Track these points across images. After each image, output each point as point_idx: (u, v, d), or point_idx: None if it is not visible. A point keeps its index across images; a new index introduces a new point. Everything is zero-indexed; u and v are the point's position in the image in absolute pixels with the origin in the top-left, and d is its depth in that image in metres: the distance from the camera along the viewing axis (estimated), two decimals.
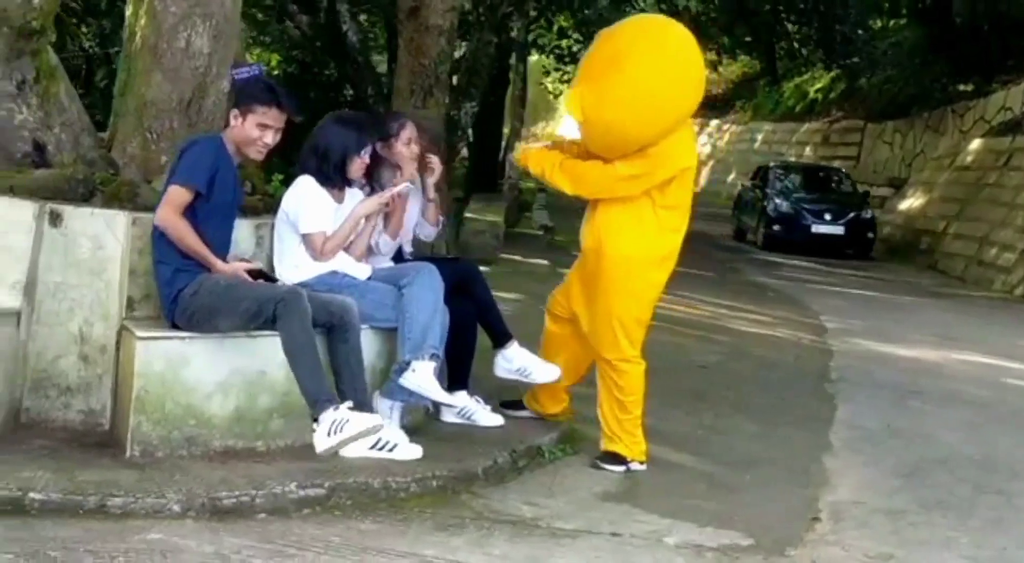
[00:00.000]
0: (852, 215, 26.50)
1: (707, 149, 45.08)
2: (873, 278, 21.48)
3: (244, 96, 6.49)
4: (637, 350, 7.30)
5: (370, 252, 7.28)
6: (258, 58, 26.48)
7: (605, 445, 7.27)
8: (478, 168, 30.27)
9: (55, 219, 6.57)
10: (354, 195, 7.13)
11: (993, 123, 26.79)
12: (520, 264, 17.18)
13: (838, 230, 26.43)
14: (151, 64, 7.09)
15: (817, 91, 39.24)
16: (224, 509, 5.82)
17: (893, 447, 8.28)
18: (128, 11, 7.32)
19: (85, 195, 6.81)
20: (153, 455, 6.29)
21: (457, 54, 25.57)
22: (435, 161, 7.56)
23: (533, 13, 25.54)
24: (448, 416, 7.46)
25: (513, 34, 25.49)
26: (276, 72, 25.35)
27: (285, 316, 6.18)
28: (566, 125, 50.14)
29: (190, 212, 6.33)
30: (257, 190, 7.41)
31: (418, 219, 7.70)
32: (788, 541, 6.19)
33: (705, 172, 43.88)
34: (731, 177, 41.21)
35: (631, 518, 6.35)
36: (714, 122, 46.22)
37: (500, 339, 7.55)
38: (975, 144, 26.32)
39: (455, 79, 22.83)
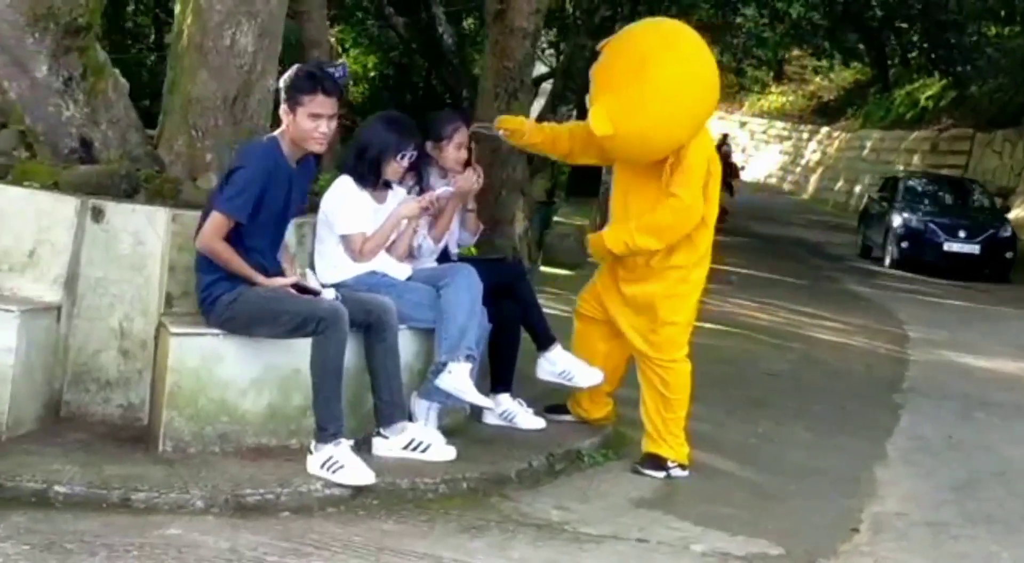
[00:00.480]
0: (989, 233, 24.00)
1: (816, 156, 44.68)
2: (971, 289, 21.05)
3: (288, 90, 6.35)
4: (685, 350, 7.25)
5: (411, 255, 7.24)
6: (355, 60, 26.67)
7: (648, 446, 7.19)
8: (578, 171, 30.11)
9: (97, 215, 6.59)
10: (397, 195, 7.08)
11: None
12: None
13: (973, 249, 23.87)
14: (197, 62, 7.10)
15: (928, 99, 38.65)
16: (248, 506, 5.81)
17: (950, 459, 8.10)
18: (177, 9, 7.33)
19: (128, 191, 6.84)
20: (185, 451, 6.29)
21: (554, 61, 25.70)
22: (479, 171, 7.46)
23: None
24: (489, 418, 7.41)
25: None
26: (372, 74, 25.56)
27: (323, 336, 6.09)
28: None
29: (235, 227, 6.25)
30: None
31: (457, 227, 7.66)
32: (820, 552, 6.08)
33: (814, 180, 43.48)
34: (839, 185, 40.74)
35: (662, 524, 6.27)
36: (824, 129, 45.69)
37: (543, 342, 7.49)
38: None
39: (552, 83, 22.89)
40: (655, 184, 7.02)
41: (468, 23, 24.32)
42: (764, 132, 50.73)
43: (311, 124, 6.24)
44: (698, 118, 6.93)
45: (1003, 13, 34.72)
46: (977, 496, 7.30)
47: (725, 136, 32.81)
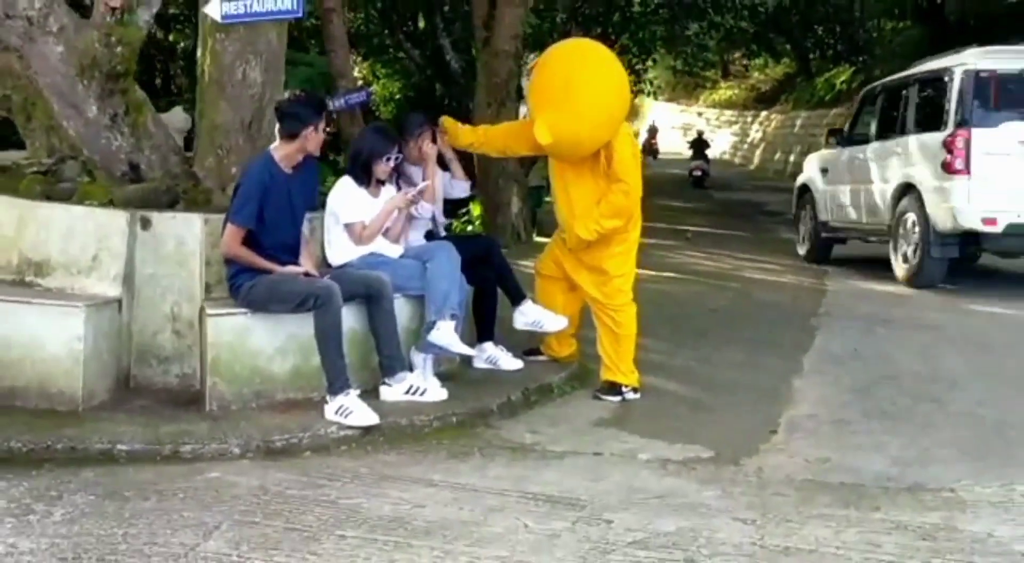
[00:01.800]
0: None
1: (759, 135, 44.14)
2: None
3: (312, 113, 6.15)
4: (630, 295, 7.02)
5: (411, 217, 7.05)
6: (384, 86, 26.51)
7: (605, 375, 6.95)
8: None
9: (145, 223, 6.43)
10: (388, 191, 6.88)
11: None
12: None
13: None
14: (217, 95, 6.91)
15: (842, 83, 38.18)
16: (276, 449, 5.63)
17: (853, 368, 7.81)
18: (199, 53, 7.11)
19: (170, 202, 6.70)
20: (227, 408, 6.12)
21: None
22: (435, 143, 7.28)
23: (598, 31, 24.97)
24: (478, 363, 7.19)
25: None
26: (398, 96, 25.41)
27: (321, 309, 5.95)
28: (647, 122, 49.66)
29: (254, 228, 6.11)
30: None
31: (448, 182, 7.45)
32: (744, 452, 5.84)
33: (758, 154, 43.05)
34: (777, 156, 40.29)
35: (615, 439, 6.04)
36: (763, 113, 45.13)
37: (516, 298, 7.26)
38: None
39: None
40: (588, 175, 6.85)
41: (475, 50, 24.24)
42: (717, 119, 50.24)
43: (323, 135, 6.23)
44: (617, 119, 6.73)
45: (896, 11, 34.88)
46: (874, 397, 7.02)
47: (653, 126, 32.55)
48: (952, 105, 11.14)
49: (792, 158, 39.31)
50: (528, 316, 7.21)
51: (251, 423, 5.87)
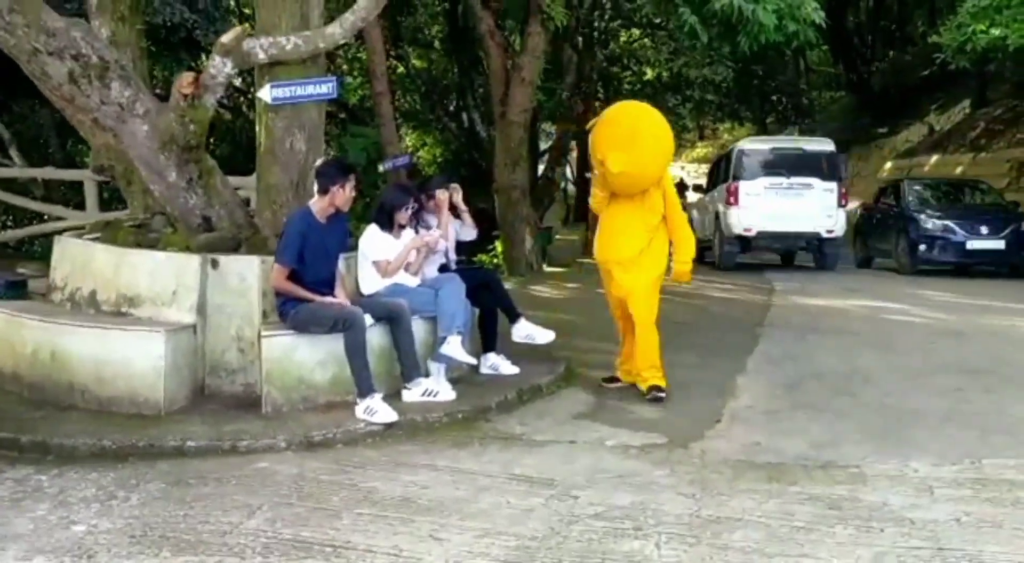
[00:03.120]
0: (1013, 227, 14.92)
1: None
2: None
3: (340, 173, 6.08)
4: None
5: (429, 253, 6.93)
6: (428, 151, 26.52)
7: (653, 381, 6.59)
8: (578, 205, 29.61)
9: (215, 264, 6.32)
10: (408, 234, 6.77)
11: (900, 151, 25.65)
12: (588, 265, 16.53)
13: (998, 244, 14.82)
14: (270, 161, 6.81)
15: None
16: (315, 443, 5.48)
17: (786, 367, 7.58)
18: (257, 129, 7.01)
19: (235, 247, 6.60)
20: (280, 410, 5.98)
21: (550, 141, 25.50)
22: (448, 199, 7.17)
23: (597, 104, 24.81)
24: (483, 369, 7.02)
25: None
26: (440, 159, 25.40)
27: (349, 329, 5.84)
28: None
29: (296, 267, 6.01)
30: (352, 235, 7.02)
31: (459, 228, 7.34)
32: (692, 438, 5.63)
33: None
34: (849, 205, 39.79)
35: (588, 430, 5.84)
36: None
37: (512, 317, 7.12)
38: (888, 164, 25.33)
39: (548, 153, 22.63)
40: (638, 212, 6.58)
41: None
42: (696, 171, 49.93)
43: (352, 193, 6.13)
44: (666, 161, 6.52)
45: (834, 84, 34.94)
46: (801, 391, 6.79)
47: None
48: (732, 168, 16.30)
49: None
50: (522, 331, 7.07)
51: (296, 422, 5.74)
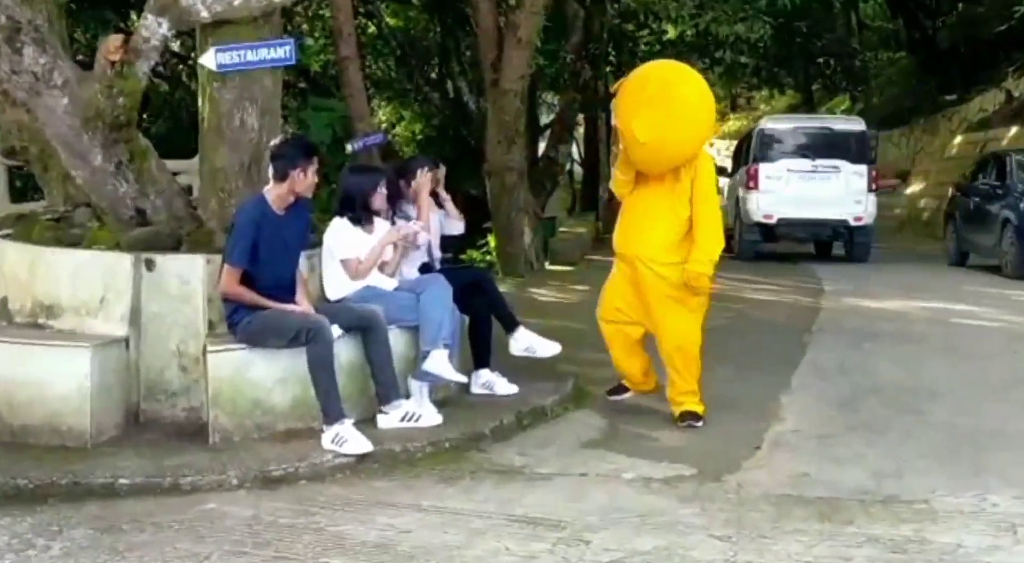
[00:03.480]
0: None
1: None
2: (880, 248, 20.19)
3: (301, 155, 6.04)
4: None
5: (408, 250, 6.94)
6: (406, 128, 26.58)
7: (688, 406, 6.55)
8: (586, 191, 29.66)
9: (150, 265, 6.31)
10: (381, 226, 6.77)
11: (973, 122, 25.64)
12: (599, 263, 16.60)
13: None
14: (216, 140, 6.78)
15: (842, 111, 38.05)
16: (273, 479, 5.47)
17: (838, 382, 7.62)
18: (200, 102, 7.01)
19: (174, 244, 6.58)
20: (230, 440, 5.96)
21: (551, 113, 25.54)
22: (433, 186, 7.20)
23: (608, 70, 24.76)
24: (475, 388, 7.03)
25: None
26: (420, 137, 25.48)
27: (313, 343, 5.81)
28: None
29: (248, 268, 5.98)
30: (316, 230, 7.00)
31: (443, 220, 7.37)
32: (727, 468, 5.65)
33: None
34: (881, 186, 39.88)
35: (602, 460, 5.85)
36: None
37: (509, 326, 7.13)
38: (958, 139, 25.34)
39: (551, 128, 22.65)
40: (666, 202, 6.47)
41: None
42: (728, 149, 50.05)
43: (314, 178, 6.12)
44: (704, 135, 6.48)
45: (892, 42, 34.89)
46: (857, 409, 6.83)
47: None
48: (753, 150, 17.59)
49: None
50: (521, 343, 7.07)
51: (250, 453, 5.73)
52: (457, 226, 7.40)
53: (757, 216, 16.90)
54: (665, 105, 6.27)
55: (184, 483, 5.36)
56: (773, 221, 16.85)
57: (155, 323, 6.32)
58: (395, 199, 6.96)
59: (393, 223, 6.86)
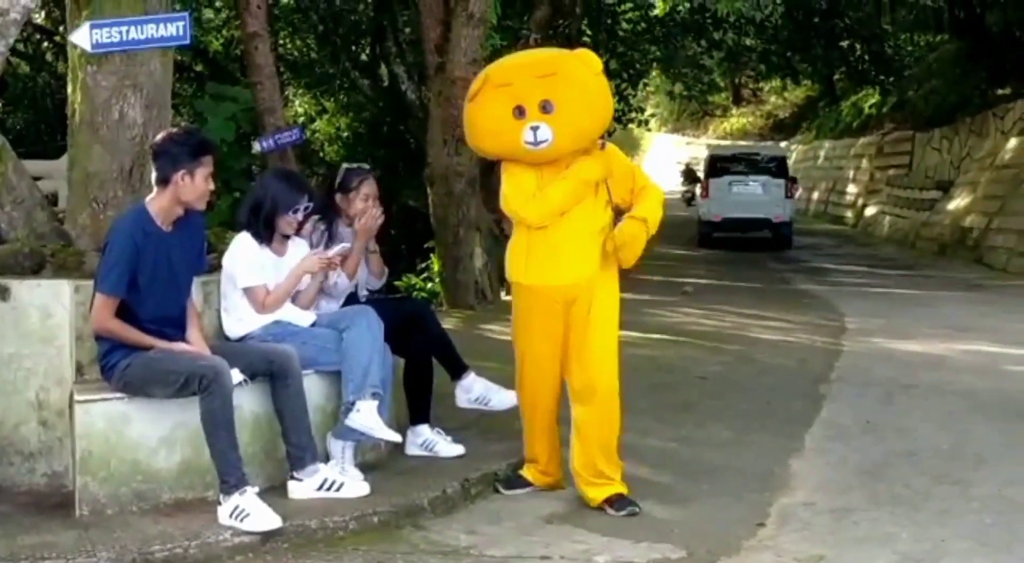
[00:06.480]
0: None
1: None
2: (916, 276, 20.58)
3: (186, 154, 5.97)
4: None
5: (324, 292, 6.95)
6: (328, 122, 26.62)
7: (611, 489, 6.39)
8: None
9: (3, 293, 6.30)
10: (298, 245, 6.79)
11: None
12: None
13: None
14: (90, 138, 6.81)
15: (871, 107, 38.53)
16: (156, 562, 5.44)
17: (864, 444, 7.70)
18: (69, 89, 7.02)
19: (34, 268, 6.56)
20: (102, 513, 5.94)
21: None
22: (378, 210, 7.10)
23: None
24: (411, 449, 7.07)
25: None
26: (345, 133, 25.49)
27: (207, 392, 5.80)
28: (647, 156, 49.74)
29: (126, 298, 5.96)
30: (213, 248, 7.01)
31: (364, 276, 7.35)
32: (723, 550, 5.71)
33: None
34: (799, 193, 40.36)
35: (568, 539, 5.89)
36: (783, 143, 45.34)
37: (456, 371, 7.19)
38: (1012, 143, 25.49)
39: None
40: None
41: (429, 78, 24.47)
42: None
43: (207, 184, 6.06)
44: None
45: (932, 24, 35.17)
46: (885, 478, 6.90)
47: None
48: (704, 168, 29.85)
49: (816, 195, 39.52)
50: (472, 392, 7.13)
51: (128, 531, 5.71)
52: (374, 283, 7.41)
53: (708, 217, 28.06)
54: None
55: None
56: (719, 220, 27.65)
57: (9, 367, 6.32)
58: (328, 218, 7.00)
59: (326, 246, 6.89)
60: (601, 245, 6.31)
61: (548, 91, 6.16)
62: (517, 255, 6.43)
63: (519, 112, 6.15)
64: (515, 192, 6.30)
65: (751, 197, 27.40)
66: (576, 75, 6.30)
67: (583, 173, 6.24)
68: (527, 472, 6.76)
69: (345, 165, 7.40)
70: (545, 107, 6.12)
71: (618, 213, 6.44)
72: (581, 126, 6.26)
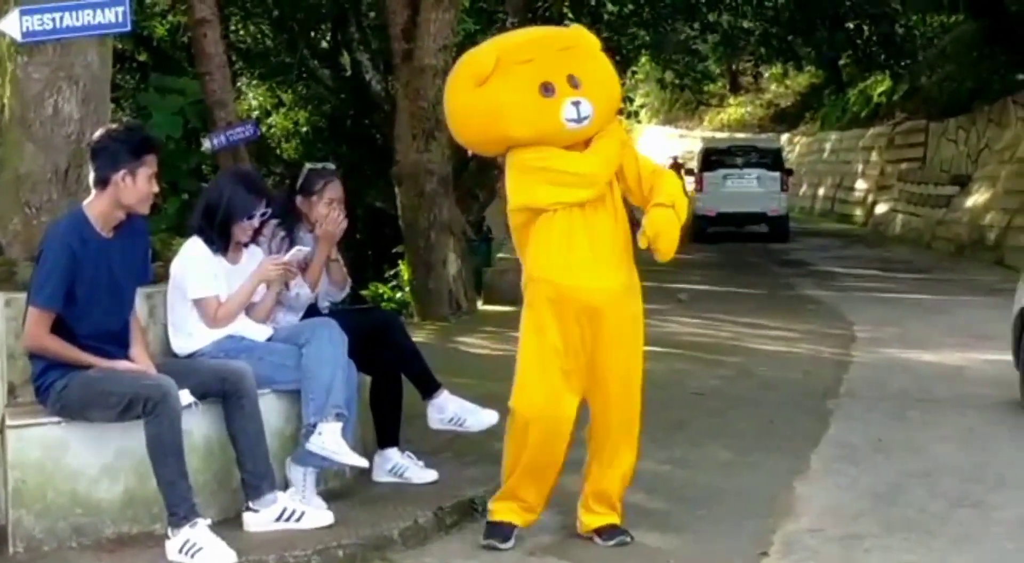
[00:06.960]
0: None
1: None
2: (932, 279, 20.62)
3: (127, 152, 5.94)
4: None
5: (282, 304, 6.98)
6: (285, 117, 26.62)
7: (610, 518, 6.36)
8: None
9: None
10: (253, 254, 6.80)
11: None
12: None
13: None
14: (21, 136, 6.82)
15: (880, 95, 38.65)
16: None
17: (875, 464, 7.73)
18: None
19: None
20: (39, 550, 5.95)
21: None
22: (341, 214, 7.09)
23: None
24: (379, 475, 7.09)
25: None
26: (304, 129, 25.51)
27: (154, 415, 5.79)
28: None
29: (62, 312, 5.94)
30: (159, 256, 7.01)
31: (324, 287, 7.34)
32: None
33: None
34: (803, 190, 40.57)
35: None
36: (785, 135, 45.48)
37: (428, 389, 7.18)
38: None
39: None
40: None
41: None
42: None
43: (151, 185, 6.03)
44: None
45: (946, 3, 35.21)
46: (898, 502, 6.93)
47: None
48: (698, 161, 32.45)
49: (822, 192, 39.61)
50: (445, 412, 7.12)
51: None
52: (336, 294, 7.42)
53: (703, 212, 29.54)
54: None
55: None
56: (713, 214, 29.83)
57: None
58: (288, 224, 7.02)
59: (283, 250, 6.90)
60: (630, 252, 6.41)
61: (572, 65, 6.16)
62: (551, 250, 6.22)
63: (545, 89, 6.07)
64: (560, 175, 6.15)
65: (746, 191, 29.75)
66: (592, 48, 6.36)
67: (618, 133, 6.33)
68: (507, 513, 6.35)
69: (308, 165, 7.42)
70: (573, 82, 6.10)
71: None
72: (611, 100, 6.32)
